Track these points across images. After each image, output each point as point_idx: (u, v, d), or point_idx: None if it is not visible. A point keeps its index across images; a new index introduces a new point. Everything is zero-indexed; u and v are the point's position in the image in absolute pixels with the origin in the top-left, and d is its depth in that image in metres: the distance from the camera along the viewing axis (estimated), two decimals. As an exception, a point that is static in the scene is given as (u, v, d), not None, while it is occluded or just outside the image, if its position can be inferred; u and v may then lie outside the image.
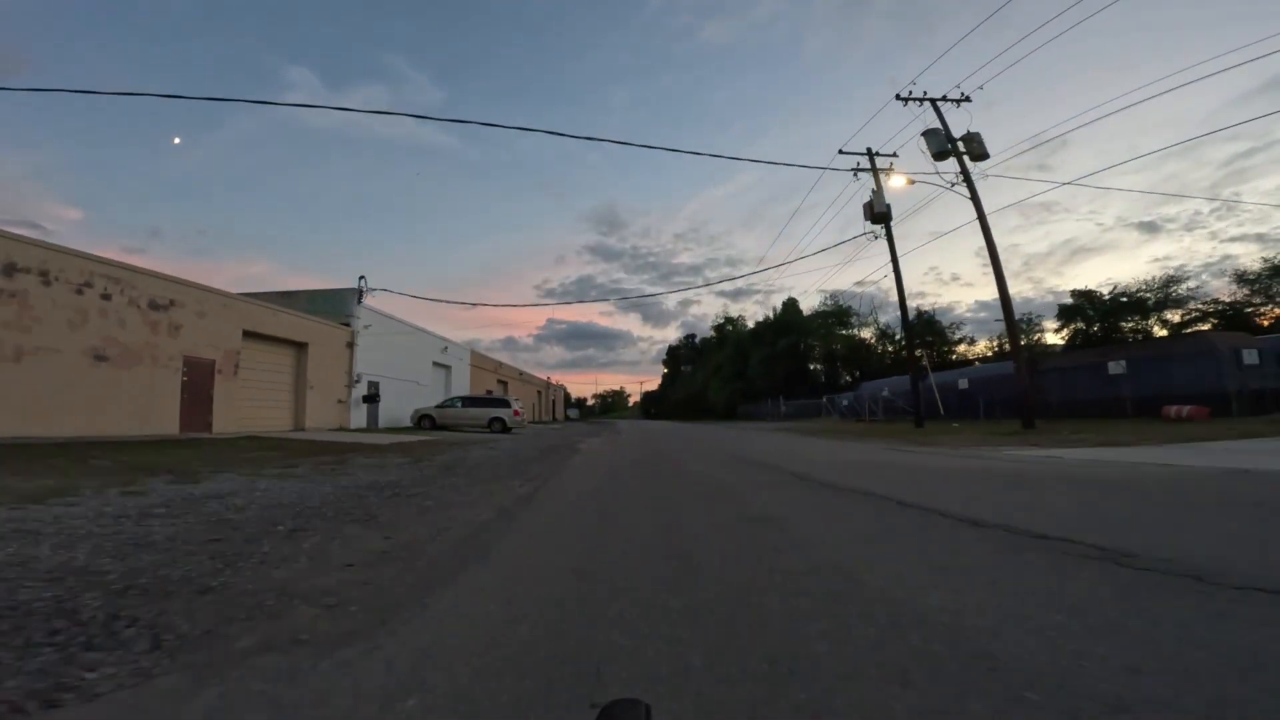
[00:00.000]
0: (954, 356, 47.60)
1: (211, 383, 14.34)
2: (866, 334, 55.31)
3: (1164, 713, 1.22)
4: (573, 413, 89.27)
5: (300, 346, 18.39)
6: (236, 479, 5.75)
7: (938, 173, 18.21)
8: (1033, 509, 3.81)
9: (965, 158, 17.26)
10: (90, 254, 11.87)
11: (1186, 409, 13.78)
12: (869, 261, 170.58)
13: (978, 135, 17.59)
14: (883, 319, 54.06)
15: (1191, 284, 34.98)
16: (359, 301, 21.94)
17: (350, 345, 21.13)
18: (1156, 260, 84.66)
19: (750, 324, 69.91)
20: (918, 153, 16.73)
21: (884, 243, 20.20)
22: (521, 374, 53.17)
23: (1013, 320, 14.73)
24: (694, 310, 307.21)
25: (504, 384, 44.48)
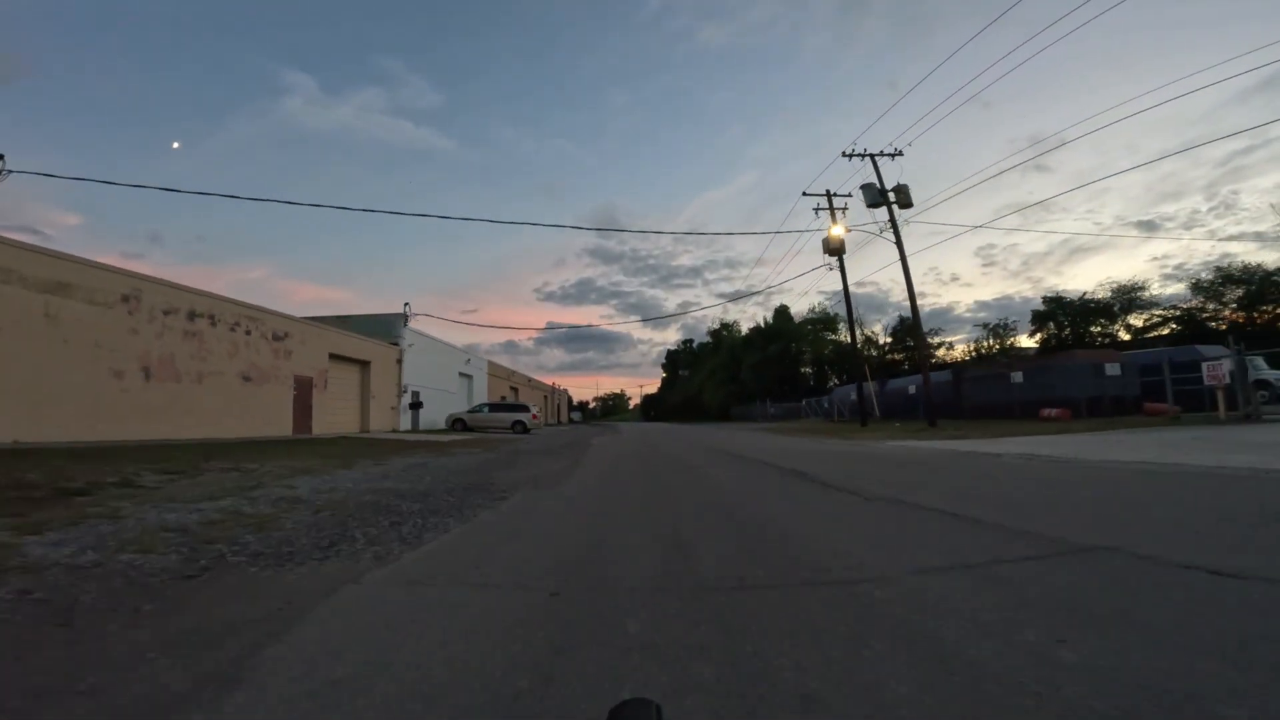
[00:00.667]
0: (933, 360, 51.86)
1: (311, 395, 18.71)
2: (855, 338, 59.22)
3: (796, 521, 5.55)
4: (575, 415, 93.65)
5: (364, 364, 22.77)
6: (404, 460, 10.04)
7: (874, 221, 22.58)
8: (826, 466, 8.11)
9: (894, 206, 21.62)
10: (237, 300, 16.23)
11: (1055, 411, 18.09)
12: (862, 264, 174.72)
13: (905, 187, 21.86)
14: (878, 322, 58.18)
15: (1180, 287, 38.99)
16: (405, 324, 26.33)
17: (399, 361, 25.50)
18: (1155, 259, 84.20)
19: (746, 328, 74.16)
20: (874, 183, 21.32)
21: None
22: (530, 380, 57.55)
23: (923, 345, 19.08)
24: (693, 312, 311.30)
25: (515, 390, 48.86)
